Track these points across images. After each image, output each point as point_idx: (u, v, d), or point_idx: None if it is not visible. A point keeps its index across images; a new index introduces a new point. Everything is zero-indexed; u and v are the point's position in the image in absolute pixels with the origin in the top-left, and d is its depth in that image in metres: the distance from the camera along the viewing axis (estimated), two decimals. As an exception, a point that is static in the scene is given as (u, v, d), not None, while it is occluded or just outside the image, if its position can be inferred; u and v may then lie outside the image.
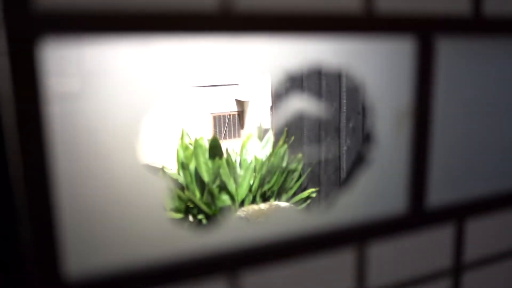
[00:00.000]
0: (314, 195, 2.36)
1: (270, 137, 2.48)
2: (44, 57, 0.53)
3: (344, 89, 1.88)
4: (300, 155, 2.49)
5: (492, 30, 0.80)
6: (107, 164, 0.59)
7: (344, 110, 1.91)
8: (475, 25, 0.77)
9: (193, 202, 1.90)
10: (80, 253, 0.59)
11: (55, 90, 0.54)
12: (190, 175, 2.10)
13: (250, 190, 2.15)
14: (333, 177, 2.22)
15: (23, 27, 0.51)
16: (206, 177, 2.10)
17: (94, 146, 0.57)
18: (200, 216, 1.97)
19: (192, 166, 2.13)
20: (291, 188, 2.39)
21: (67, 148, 0.56)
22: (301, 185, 2.48)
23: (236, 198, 2.12)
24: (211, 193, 2.06)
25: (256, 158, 2.21)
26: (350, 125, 1.87)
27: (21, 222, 0.55)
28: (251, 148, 2.36)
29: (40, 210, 0.54)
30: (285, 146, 2.46)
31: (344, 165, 2.08)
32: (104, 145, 0.58)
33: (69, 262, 0.58)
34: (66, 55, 0.54)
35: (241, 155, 2.29)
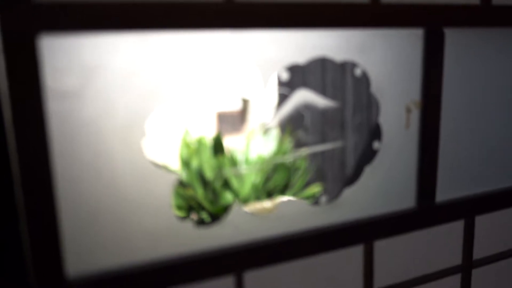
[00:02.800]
0: (319, 191, 2.34)
1: (274, 133, 2.46)
2: (42, 53, 0.51)
3: (350, 83, 1.86)
4: (304, 151, 2.48)
5: (502, 21, 0.77)
6: (110, 162, 0.57)
7: (350, 105, 1.89)
8: (485, 16, 0.75)
9: (195, 200, 1.89)
10: (81, 252, 0.57)
11: (54, 87, 0.52)
12: (193, 173, 2.08)
13: (254, 187, 2.13)
14: (338, 173, 2.20)
15: (19, 22, 0.49)
16: (209, 175, 2.08)
17: (96, 143, 0.56)
18: (203, 214, 1.95)
19: (194, 164, 2.11)
20: (296, 184, 2.37)
21: (68, 147, 0.54)
22: (306, 181, 2.46)
23: (240, 195, 2.10)
24: (214, 191, 2.04)
25: (260, 155, 2.20)
26: (356, 120, 1.85)
27: (23, 221, 0.54)
28: (255, 145, 2.34)
29: (39, 209, 0.52)
30: (290, 142, 2.44)
31: (351, 161, 2.06)
32: (107, 143, 0.57)
33: (70, 261, 0.57)
34: (66, 50, 0.53)
35: (244, 152, 2.27)
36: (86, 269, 0.58)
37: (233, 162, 2.20)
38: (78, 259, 0.57)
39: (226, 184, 2.13)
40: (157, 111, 0.62)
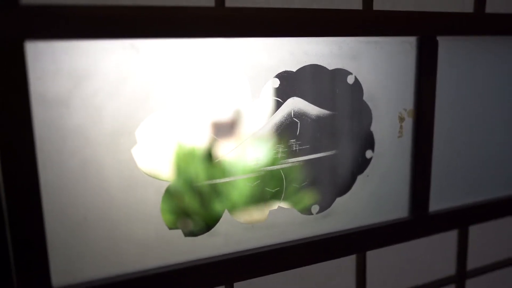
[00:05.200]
0: (313, 200, 2.33)
1: (267, 141, 2.45)
2: (29, 58, 0.50)
3: (342, 90, 1.86)
4: (297, 159, 2.47)
5: (495, 29, 0.77)
6: (98, 170, 0.56)
7: (343, 113, 1.88)
8: (478, 24, 0.75)
9: (186, 209, 1.87)
10: (67, 263, 0.56)
11: (41, 93, 0.51)
12: (184, 182, 2.07)
13: (246, 196, 2.12)
14: (330, 182, 2.19)
15: (7, 26, 0.48)
16: (201, 183, 2.07)
17: (84, 151, 0.55)
18: (193, 223, 1.94)
19: (187, 172, 2.10)
20: (289, 192, 2.36)
21: (55, 154, 0.53)
22: (299, 189, 2.45)
23: (231, 204, 2.08)
24: (206, 199, 2.03)
25: (253, 163, 2.18)
26: (349, 128, 1.84)
27: (7, 231, 0.52)
28: (248, 152, 2.32)
29: (23, 218, 0.50)
30: (282, 150, 2.43)
31: (343, 170, 2.05)
32: (96, 151, 0.55)
33: (56, 272, 0.55)
34: (54, 55, 0.52)
35: (237, 160, 2.26)
36: (72, 280, 0.57)
37: (225, 171, 2.19)
38: (64, 270, 0.56)
39: (218, 193, 2.12)
40: (149, 119, 0.61)
